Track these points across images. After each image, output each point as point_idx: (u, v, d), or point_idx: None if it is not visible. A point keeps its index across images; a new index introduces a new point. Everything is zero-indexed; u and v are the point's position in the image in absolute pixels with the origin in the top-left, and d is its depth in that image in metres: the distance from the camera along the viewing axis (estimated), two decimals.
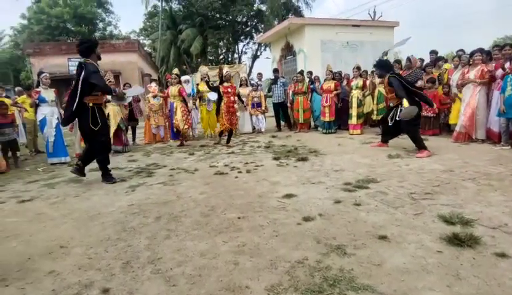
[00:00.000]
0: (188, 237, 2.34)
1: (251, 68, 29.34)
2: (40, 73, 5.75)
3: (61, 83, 16.57)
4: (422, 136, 6.16)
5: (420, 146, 4.77)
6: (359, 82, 7.15)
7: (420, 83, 6.55)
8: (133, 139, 7.82)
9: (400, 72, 7.15)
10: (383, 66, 5.26)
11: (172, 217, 2.77)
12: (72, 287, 1.79)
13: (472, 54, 5.56)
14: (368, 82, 7.27)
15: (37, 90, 5.61)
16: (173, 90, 6.87)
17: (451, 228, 2.21)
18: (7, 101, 6.83)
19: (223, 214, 2.76)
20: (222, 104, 6.46)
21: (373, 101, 7.08)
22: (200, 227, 2.51)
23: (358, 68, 7.31)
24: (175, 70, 7.76)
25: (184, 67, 29.57)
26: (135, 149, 6.92)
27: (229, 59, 30.89)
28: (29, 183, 4.37)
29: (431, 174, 3.58)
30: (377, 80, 6.91)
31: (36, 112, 5.70)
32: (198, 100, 7.96)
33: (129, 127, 7.37)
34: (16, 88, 9.12)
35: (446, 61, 8.06)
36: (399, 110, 4.95)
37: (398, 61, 7.59)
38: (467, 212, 2.48)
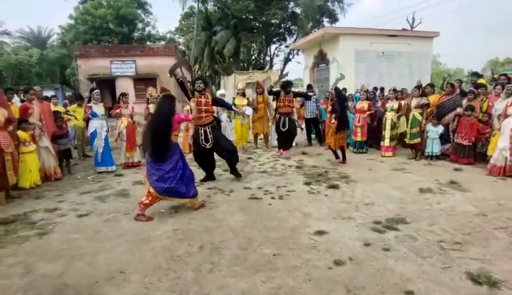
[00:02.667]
0: (229, 273, 2.63)
1: (282, 71, 29.45)
2: (92, 89, 6.32)
3: (103, 84, 17.68)
4: (456, 165, 6.14)
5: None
6: (394, 104, 7.14)
7: (458, 110, 6.46)
8: None
9: (434, 96, 7.08)
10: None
11: (213, 247, 3.07)
12: None
13: None
14: (403, 104, 7.24)
15: (89, 105, 6.19)
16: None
17: (477, 289, 2.33)
18: (61, 109, 7.53)
19: (259, 248, 3.03)
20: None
21: (407, 123, 7.05)
22: (239, 263, 2.78)
23: (394, 90, 7.29)
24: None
25: (216, 66, 30.27)
26: None
27: (261, 61, 31.16)
28: (83, 194, 4.88)
29: (462, 218, 3.64)
30: (413, 103, 6.88)
31: (87, 126, 6.28)
32: (232, 113, 8.28)
33: None
34: (67, 94, 9.97)
35: (481, 76, 7.82)
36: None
37: (432, 85, 7.47)
38: (495, 271, 2.57)
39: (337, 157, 6.58)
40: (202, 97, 5.08)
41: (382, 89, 10.30)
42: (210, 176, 5.42)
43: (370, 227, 3.45)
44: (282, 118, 7.20)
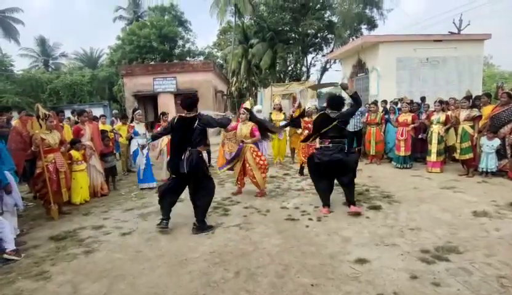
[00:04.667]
0: None
1: (319, 81, 29.12)
2: (134, 110, 6.70)
3: (147, 99, 18.73)
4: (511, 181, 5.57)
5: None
6: (441, 116, 6.68)
7: None
8: (209, 161, 8.50)
9: (488, 107, 6.52)
10: (333, 105, 4.61)
11: (249, 273, 3.03)
12: None
13: None
14: (451, 116, 6.77)
15: (132, 124, 6.54)
16: (243, 129, 5.52)
17: None
18: (107, 127, 8.05)
19: (296, 277, 2.93)
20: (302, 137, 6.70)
21: (456, 138, 6.55)
22: (276, 292, 2.71)
23: (441, 102, 6.84)
24: (247, 103, 6.49)
25: (253, 78, 30.74)
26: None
27: (298, 71, 31.10)
28: (126, 211, 5.12)
29: None
30: (462, 114, 6.39)
31: (129, 144, 6.64)
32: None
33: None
34: (114, 111, 10.79)
35: None
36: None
37: (488, 95, 6.90)
38: None
39: None
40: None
41: (423, 99, 9.67)
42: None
43: (416, 256, 3.20)
44: (328, 154, 4.49)
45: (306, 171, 6.18)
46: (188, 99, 4.21)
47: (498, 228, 3.80)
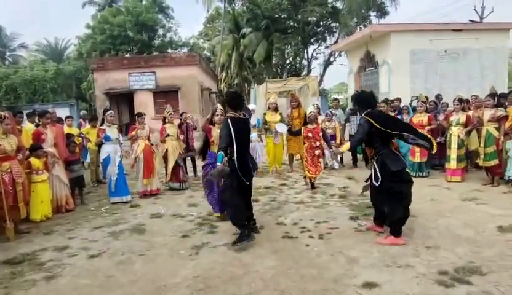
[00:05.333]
0: None
1: (322, 76, 29.41)
2: (105, 111, 6.68)
3: (121, 98, 18.67)
4: None
5: (394, 231, 4.05)
6: (461, 117, 6.77)
7: None
8: (194, 171, 8.49)
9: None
10: (360, 101, 4.58)
11: None
12: None
13: None
14: (472, 116, 6.87)
15: (102, 128, 6.52)
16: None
17: None
18: (74, 131, 8.01)
19: None
20: (304, 148, 6.77)
21: (479, 141, 6.65)
22: None
23: (460, 100, 6.94)
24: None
25: (246, 73, 30.91)
26: (195, 184, 7.48)
27: (297, 65, 31.32)
28: (95, 229, 5.08)
29: None
30: (486, 115, 6.49)
31: (99, 151, 6.61)
32: (264, 132, 8.33)
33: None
34: (82, 112, 10.76)
35: None
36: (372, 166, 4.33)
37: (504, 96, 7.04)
38: None
39: None
40: None
41: (438, 97, 9.65)
42: None
43: (434, 278, 3.23)
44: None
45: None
46: (237, 98, 4.50)
47: None
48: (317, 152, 6.60)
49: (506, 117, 6.38)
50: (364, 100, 4.51)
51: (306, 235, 4.42)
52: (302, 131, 6.75)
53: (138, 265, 3.83)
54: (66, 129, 7.70)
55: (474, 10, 23.34)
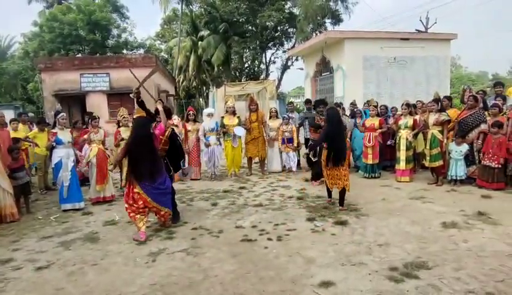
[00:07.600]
0: None
1: (280, 80, 29.93)
2: (57, 113, 6.33)
3: (72, 100, 17.75)
4: (484, 191, 6.16)
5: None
6: (409, 121, 7.19)
7: (483, 126, 6.52)
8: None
9: (454, 111, 7.19)
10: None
11: None
12: None
13: None
14: (419, 120, 7.31)
15: (54, 131, 6.16)
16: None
17: None
18: (21, 134, 7.50)
19: None
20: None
21: (425, 143, 7.08)
22: None
23: (407, 105, 7.36)
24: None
25: (204, 76, 30.64)
26: None
27: (255, 69, 31.59)
28: (44, 239, 4.78)
29: (493, 260, 3.59)
30: (431, 119, 6.92)
31: (50, 155, 6.23)
32: (222, 135, 8.30)
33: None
34: (30, 114, 10.07)
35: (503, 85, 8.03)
36: None
37: (449, 98, 7.60)
38: None
39: (330, 195, 5.88)
40: None
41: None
42: None
43: (385, 274, 3.39)
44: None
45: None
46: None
47: (466, 239, 4.16)
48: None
49: (449, 121, 6.86)
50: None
51: (264, 238, 4.45)
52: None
53: (90, 276, 3.65)
54: (12, 134, 7.18)
55: (420, 20, 24.87)
